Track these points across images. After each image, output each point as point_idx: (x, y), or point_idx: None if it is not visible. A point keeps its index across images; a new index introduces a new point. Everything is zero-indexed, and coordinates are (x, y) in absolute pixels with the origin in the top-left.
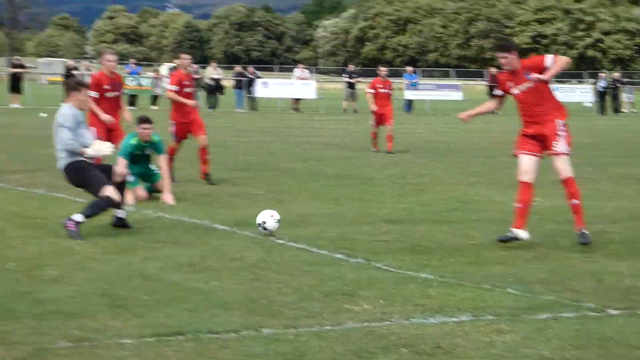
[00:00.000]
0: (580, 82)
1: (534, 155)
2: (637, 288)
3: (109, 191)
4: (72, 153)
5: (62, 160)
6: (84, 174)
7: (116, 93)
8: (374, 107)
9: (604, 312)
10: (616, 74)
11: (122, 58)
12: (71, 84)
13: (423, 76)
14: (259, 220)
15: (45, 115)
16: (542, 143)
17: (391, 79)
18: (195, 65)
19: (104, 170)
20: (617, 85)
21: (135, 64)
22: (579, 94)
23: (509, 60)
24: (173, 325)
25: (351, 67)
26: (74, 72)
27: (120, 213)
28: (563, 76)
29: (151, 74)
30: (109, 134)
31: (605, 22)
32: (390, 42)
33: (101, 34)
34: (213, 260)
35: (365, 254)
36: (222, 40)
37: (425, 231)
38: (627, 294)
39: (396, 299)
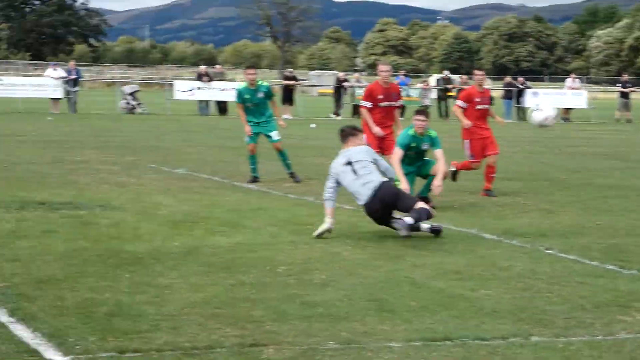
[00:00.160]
0: None
1: None
2: None
3: (423, 204)
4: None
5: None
6: (397, 191)
7: (390, 103)
8: None
9: None
10: None
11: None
12: (347, 131)
13: None
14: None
15: (314, 126)
16: None
17: None
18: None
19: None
20: None
21: (404, 75)
22: None
23: None
24: (440, 331)
25: (625, 77)
26: (345, 84)
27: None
28: None
29: (420, 85)
30: (381, 141)
31: None
32: None
33: (371, 47)
34: (480, 268)
35: None
36: (491, 51)
37: None
38: None
39: None
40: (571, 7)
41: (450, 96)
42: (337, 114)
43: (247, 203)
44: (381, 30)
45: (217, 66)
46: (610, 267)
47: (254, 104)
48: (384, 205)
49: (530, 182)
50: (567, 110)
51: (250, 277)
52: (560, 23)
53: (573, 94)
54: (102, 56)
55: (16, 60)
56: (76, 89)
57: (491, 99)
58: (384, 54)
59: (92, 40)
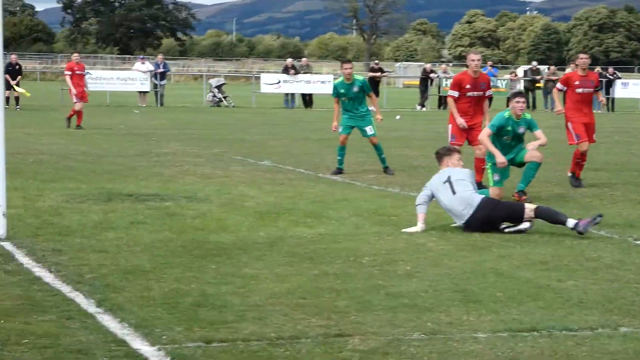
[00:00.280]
0: None
1: None
2: None
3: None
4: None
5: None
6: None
7: (478, 93)
8: None
9: None
10: None
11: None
12: (441, 152)
13: None
14: None
15: (399, 117)
16: None
17: None
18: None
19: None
20: None
21: (491, 66)
22: None
23: None
24: (526, 321)
25: None
26: (431, 75)
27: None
28: None
29: (508, 76)
30: (468, 132)
31: None
32: None
33: (458, 38)
34: (568, 259)
35: None
36: (581, 42)
37: None
38: None
39: None
40: None
41: (538, 87)
42: (423, 106)
43: (331, 194)
44: (469, 22)
45: (304, 59)
46: None
47: (350, 98)
48: (487, 221)
49: (619, 173)
50: None
51: (334, 268)
52: None
53: None
54: (190, 50)
55: (104, 55)
56: (163, 82)
57: (598, 83)
58: (471, 45)
59: (179, 34)
